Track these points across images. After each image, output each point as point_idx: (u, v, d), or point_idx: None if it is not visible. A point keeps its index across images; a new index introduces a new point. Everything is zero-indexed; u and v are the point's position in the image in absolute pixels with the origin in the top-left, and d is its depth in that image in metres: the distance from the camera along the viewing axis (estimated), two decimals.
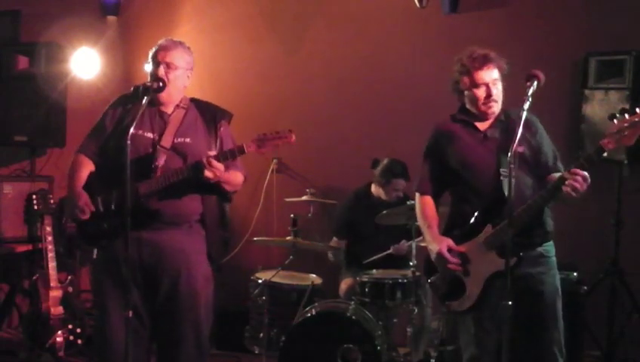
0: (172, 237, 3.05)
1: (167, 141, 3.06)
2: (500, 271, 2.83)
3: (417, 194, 3.25)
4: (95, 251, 3.09)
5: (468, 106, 3.11)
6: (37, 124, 4.86)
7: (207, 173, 2.92)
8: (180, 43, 3.17)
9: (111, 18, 5.54)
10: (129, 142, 2.82)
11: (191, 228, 3.09)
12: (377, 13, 5.17)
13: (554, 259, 3.08)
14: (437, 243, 3.05)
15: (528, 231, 2.93)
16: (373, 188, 4.69)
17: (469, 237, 3.03)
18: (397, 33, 5.14)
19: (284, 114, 5.10)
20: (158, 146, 3.03)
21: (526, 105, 2.78)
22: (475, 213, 3.02)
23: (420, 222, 3.23)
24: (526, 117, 2.99)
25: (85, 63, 5.09)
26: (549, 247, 3.07)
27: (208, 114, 3.18)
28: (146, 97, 2.95)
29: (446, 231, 3.13)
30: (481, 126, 3.09)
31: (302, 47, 5.34)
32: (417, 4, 4.98)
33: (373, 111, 5.17)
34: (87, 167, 3.14)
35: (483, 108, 3.04)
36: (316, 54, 5.32)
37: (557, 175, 2.91)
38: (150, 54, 3.14)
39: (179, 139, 3.07)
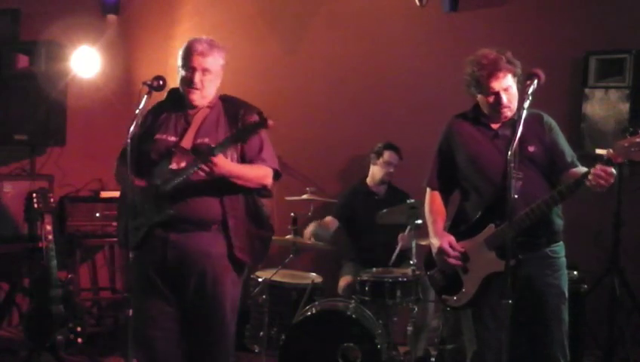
0: (199, 241, 3.01)
1: (187, 142, 3.02)
2: (498, 271, 2.83)
3: (427, 190, 3.25)
4: (130, 254, 3.02)
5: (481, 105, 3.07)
6: (37, 122, 4.85)
7: (203, 168, 2.86)
8: (213, 44, 3.06)
9: (111, 17, 5.54)
10: (129, 140, 2.77)
11: (218, 231, 3.04)
12: (377, 13, 5.17)
13: (563, 259, 3.03)
14: (439, 239, 3.07)
15: (533, 232, 2.89)
16: (369, 179, 4.84)
17: (472, 235, 3.02)
18: (397, 32, 5.14)
19: (285, 113, 5.08)
20: (176, 148, 2.98)
21: (526, 104, 2.77)
22: (479, 212, 3.01)
23: (426, 216, 3.23)
24: (538, 115, 3.00)
25: (85, 62, 5.09)
26: (558, 248, 3.02)
27: (232, 110, 3.10)
28: (146, 96, 2.92)
29: (451, 228, 3.14)
30: (493, 124, 3.05)
31: (302, 47, 5.34)
32: (417, 3, 4.98)
33: (374, 110, 5.17)
34: None
35: (494, 113, 3.00)
36: (316, 54, 5.32)
37: (578, 170, 2.87)
38: (181, 55, 3.05)
39: (199, 140, 3.01)
